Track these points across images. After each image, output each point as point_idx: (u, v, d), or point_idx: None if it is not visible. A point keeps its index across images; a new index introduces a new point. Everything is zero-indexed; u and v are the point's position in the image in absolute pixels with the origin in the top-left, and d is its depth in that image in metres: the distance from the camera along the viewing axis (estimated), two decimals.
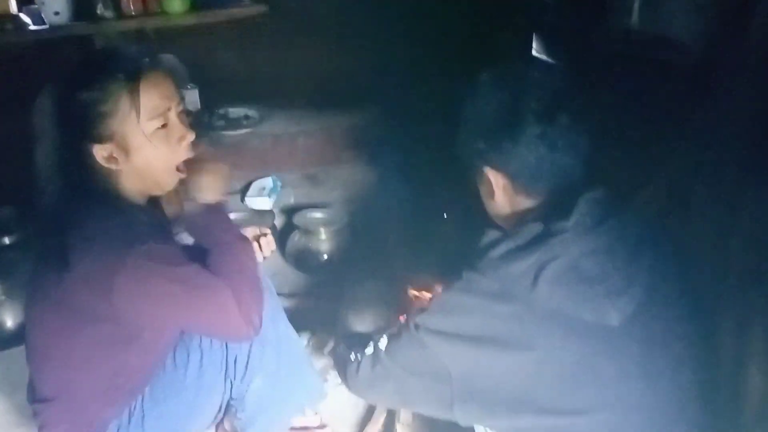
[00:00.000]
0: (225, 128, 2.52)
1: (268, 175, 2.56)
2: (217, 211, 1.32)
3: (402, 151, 2.59)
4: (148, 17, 2.40)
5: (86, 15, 2.41)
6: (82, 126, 1.16)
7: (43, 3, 2.34)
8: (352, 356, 1.30)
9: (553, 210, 1.14)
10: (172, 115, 1.20)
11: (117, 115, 1.16)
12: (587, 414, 1.05)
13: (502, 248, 1.10)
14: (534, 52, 2.92)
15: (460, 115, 1.24)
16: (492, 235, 1.15)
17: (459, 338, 1.11)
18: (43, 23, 2.39)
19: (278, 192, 2.53)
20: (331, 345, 1.71)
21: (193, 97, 2.60)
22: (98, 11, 2.42)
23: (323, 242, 2.16)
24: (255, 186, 2.52)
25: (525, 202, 1.20)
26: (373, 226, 2.33)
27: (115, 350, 1.21)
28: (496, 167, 1.18)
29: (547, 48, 2.65)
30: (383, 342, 1.23)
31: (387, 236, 2.24)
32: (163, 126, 1.19)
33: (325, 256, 2.15)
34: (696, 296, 1.19)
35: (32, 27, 2.41)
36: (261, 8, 2.39)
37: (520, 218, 1.19)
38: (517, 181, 1.17)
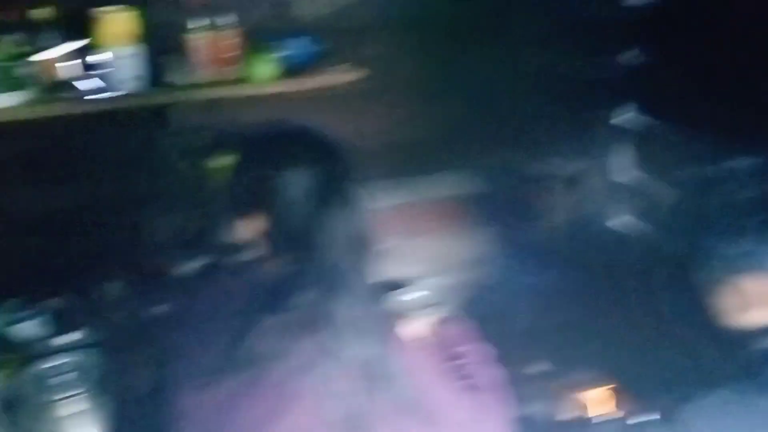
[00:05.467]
0: None
1: None
2: None
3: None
4: (227, 85, 2.14)
5: (157, 82, 2.12)
6: None
7: (111, 68, 2.06)
8: None
9: None
10: None
11: None
12: None
13: None
14: None
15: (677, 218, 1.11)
16: None
17: None
18: (106, 91, 2.09)
19: None
20: None
21: None
22: (169, 78, 2.16)
23: None
24: None
25: None
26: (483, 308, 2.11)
27: None
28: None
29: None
30: None
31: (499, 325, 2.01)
32: None
33: None
34: None
35: (92, 96, 2.10)
36: (359, 73, 2.17)
37: None
38: None
